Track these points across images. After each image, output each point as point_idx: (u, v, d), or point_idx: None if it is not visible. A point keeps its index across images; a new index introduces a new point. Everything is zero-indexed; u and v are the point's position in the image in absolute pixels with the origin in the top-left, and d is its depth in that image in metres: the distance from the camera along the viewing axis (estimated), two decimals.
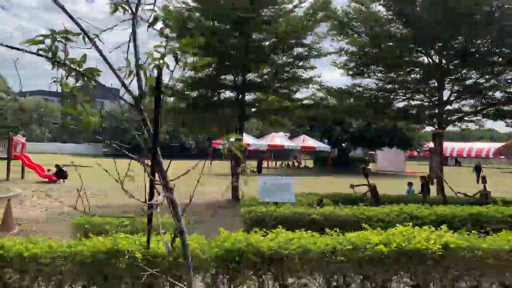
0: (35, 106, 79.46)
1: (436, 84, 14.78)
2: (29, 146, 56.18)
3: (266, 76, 13.76)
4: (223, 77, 13.80)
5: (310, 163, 40.41)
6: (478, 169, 29.71)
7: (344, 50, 14.81)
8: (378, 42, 14.24)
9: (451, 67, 14.61)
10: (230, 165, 13.47)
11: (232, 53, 12.23)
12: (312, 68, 13.55)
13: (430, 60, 14.79)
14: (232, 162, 13.84)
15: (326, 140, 34.70)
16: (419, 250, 4.10)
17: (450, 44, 14.27)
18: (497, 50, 13.71)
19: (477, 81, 14.61)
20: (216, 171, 29.34)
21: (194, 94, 13.24)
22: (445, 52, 14.24)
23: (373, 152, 44.46)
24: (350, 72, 15.38)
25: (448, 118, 14.96)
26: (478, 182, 28.54)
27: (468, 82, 14.93)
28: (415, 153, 77.13)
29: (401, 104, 16.18)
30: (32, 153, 49.86)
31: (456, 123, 16.56)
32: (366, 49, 14.81)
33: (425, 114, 15.03)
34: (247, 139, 28.61)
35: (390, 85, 15.88)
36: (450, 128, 15.67)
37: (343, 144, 34.44)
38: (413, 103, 15.65)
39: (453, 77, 15.00)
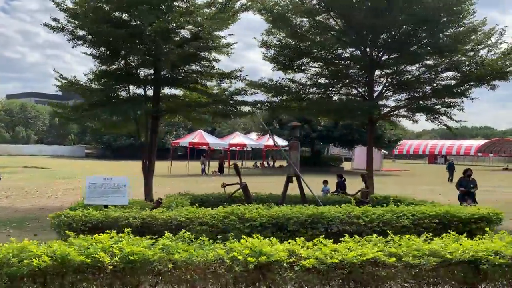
0: (21, 108, 79.13)
1: (369, 78, 14.03)
2: (7, 148, 55.79)
3: (179, 71, 12.96)
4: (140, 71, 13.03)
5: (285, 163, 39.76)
6: (451, 167, 28.67)
7: (267, 43, 14.01)
8: (309, 34, 13.48)
9: (384, 59, 13.83)
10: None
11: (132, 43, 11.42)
12: (215, 60, 12.74)
13: (360, 53, 14.00)
14: (144, 161, 13.04)
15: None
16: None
17: (381, 36, 13.49)
18: (425, 42, 12.90)
19: (406, 75, 13.82)
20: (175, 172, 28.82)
21: (98, 88, 12.44)
22: (378, 44, 13.45)
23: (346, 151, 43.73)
24: (279, 66, 14.59)
25: (381, 112, 14.22)
26: (450, 180, 27.70)
27: (402, 76, 14.14)
28: (396, 152, 76.67)
29: (337, 99, 15.40)
30: (2, 156, 49.25)
31: (394, 118, 15.84)
32: (293, 42, 14.05)
33: (358, 109, 14.24)
34: (206, 138, 27.79)
35: (325, 80, 15.10)
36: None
37: (312, 143, 33.59)
38: (345, 98, 14.85)
39: (386, 71, 14.24)
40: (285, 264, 3.42)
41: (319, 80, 15.09)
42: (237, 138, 29.23)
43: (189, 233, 4.24)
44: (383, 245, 3.90)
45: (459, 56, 12.60)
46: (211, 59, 12.52)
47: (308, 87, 14.93)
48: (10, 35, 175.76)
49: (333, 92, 15.35)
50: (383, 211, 6.55)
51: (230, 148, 27.95)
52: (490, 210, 6.79)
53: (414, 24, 12.12)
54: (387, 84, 14.52)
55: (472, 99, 13.22)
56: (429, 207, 6.82)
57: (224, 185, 8.27)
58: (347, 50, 14.57)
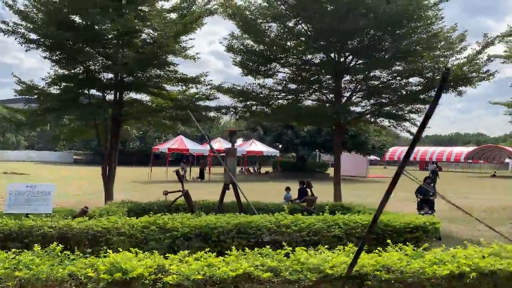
0: (9, 114, 78.51)
1: (337, 83, 13.86)
2: None
3: (141, 75, 12.72)
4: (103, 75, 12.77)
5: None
6: (434, 173, 28.32)
7: (233, 48, 13.81)
8: (279, 39, 13.28)
9: (352, 65, 13.67)
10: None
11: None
12: (173, 64, 12.52)
13: (328, 58, 13.84)
14: (104, 167, 12.77)
15: (280, 145, 33.72)
16: None
17: (348, 41, 13.33)
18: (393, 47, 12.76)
19: (373, 81, 13.67)
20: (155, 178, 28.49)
21: (56, 92, 12.17)
22: (344, 50, 13.29)
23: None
24: (247, 71, 14.40)
25: (348, 118, 14.03)
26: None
27: (369, 82, 13.99)
28: (387, 158, 76.54)
29: (306, 104, 15.19)
30: None
31: (362, 123, 15.66)
32: (262, 47, 13.87)
33: (324, 114, 14.06)
34: (186, 144, 27.51)
35: (294, 85, 14.91)
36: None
37: (296, 149, 33.39)
38: (315, 103, 14.66)
39: (354, 77, 14.08)
40: (146, 281, 3.17)
41: (288, 86, 14.94)
42: (218, 144, 28.96)
43: (109, 245, 3.97)
44: (268, 258, 3.65)
45: (423, 62, 12.44)
46: (170, 63, 12.29)
47: (276, 92, 14.77)
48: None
49: (303, 98, 15.18)
50: (315, 220, 6.31)
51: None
52: (428, 219, 6.56)
53: (375, 29, 11.97)
54: (356, 90, 14.37)
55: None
56: (364, 216, 6.58)
57: (165, 193, 8.01)
58: (316, 56, 14.44)
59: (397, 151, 76.10)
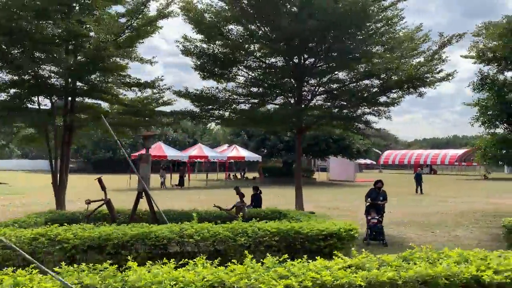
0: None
1: (297, 86, 13.58)
2: None
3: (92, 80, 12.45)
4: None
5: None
6: (418, 177, 27.80)
7: (190, 51, 13.53)
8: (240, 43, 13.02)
9: (310, 67, 13.40)
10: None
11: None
12: (123, 69, 12.24)
13: (287, 61, 13.57)
14: (54, 175, 12.44)
15: (264, 150, 33.40)
16: None
17: (308, 43, 13.07)
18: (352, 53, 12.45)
19: (332, 83, 13.39)
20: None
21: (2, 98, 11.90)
22: (302, 52, 13.02)
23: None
24: (206, 75, 14.10)
25: (306, 121, 13.77)
26: (417, 192, 26.94)
27: (328, 85, 13.70)
28: (382, 162, 75.97)
29: (267, 108, 14.95)
30: None
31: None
32: (223, 50, 13.60)
33: (284, 118, 13.77)
34: (165, 150, 27.19)
35: (255, 88, 14.62)
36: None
37: (279, 154, 33.07)
38: (271, 107, 14.40)
39: (314, 79, 13.80)
40: None
41: (251, 89, 14.65)
42: (198, 150, 28.64)
43: None
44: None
45: (382, 63, 12.13)
46: (122, 67, 12.00)
47: (237, 96, 14.48)
48: None
49: (266, 102, 14.88)
50: (222, 229, 5.97)
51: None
52: (344, 225, 6.21)
53: (328, 30, 11.68)
54: (316, 93, 14.08)
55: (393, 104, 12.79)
56: (274, 224, 6.23)
57: (88, 202, 7.67)
58: (278, 59, 14.16)
59: (392, 155, 75.78)
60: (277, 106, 14.90)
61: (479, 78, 12.63)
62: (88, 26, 10.89)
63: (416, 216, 14.70)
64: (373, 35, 12.14)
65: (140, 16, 12.26)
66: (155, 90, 13.46)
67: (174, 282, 3.14)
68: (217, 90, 13.88)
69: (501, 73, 12.65)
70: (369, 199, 10.11)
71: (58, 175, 12.27)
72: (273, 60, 14.24)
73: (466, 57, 13.31)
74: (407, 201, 20.62)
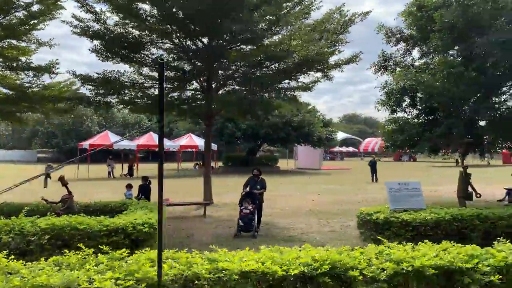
0: None
1: (207, 70, 12.86)
2: None
3: None
4: None
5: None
6: (373, 165, 26.95)
7: (89, 31, 12.67)
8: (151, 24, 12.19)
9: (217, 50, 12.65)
10: None
11: None
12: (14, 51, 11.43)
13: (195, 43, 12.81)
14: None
15: (223, 138, 32.70)
16: None
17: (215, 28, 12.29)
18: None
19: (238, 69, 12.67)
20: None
21: None
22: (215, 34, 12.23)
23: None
24: (108, 56, 13.22)
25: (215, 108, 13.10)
26: (373, 180, 26.26)
27: (235, 70, 12.98)
28: (362, 149, 75.74)
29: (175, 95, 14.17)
30: None
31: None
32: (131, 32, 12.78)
33: (192, 106, 13.12)
34: (111, 139, 26.34)
35: (167, 72, 13.85)
36: None
37: (237, 142, 32.44)
38: (175, 94, 13.67)
39: (225, 64, 13.07)
40: None
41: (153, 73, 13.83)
42: (148, 138, 27.81)
43: None
44: None
45: (273, 43, 11.42)
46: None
47: (146, 79, 13.73)
48: None
49: (178, 86, 14.12)
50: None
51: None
52: (139, 219, 5.58)
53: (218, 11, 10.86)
54: (224, 77, 13.38)
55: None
56: (49, 220, 5.55)
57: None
58: (189, 42, 13.38)
59: (372, 142, 75.49)
60: (189, 92, 14.20)
61: (382, 59, 11.96)
62: None
63: (335, 204, 14.13)
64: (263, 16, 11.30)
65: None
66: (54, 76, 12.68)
67: None
68: (119, 74, 13.09)
69: (409, 54, 11.99)
70: (246, 188, 9.49)
71: None
72: (189, 43, 13.47)
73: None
74: (349, 189, 20.05)
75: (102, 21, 12.46)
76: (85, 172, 26.28)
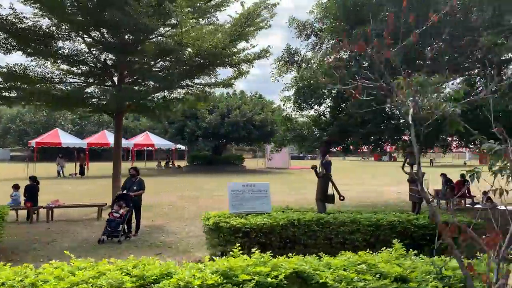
0: None
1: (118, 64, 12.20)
2: None
3: None
4: None
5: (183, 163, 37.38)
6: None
7: None
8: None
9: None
10: None
11: None
12: None
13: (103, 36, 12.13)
14: None
15: (186, 137, 32.04)
16: None
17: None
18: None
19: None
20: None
21: None
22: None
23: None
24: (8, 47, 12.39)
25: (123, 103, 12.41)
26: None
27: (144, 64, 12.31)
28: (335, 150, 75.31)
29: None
30: None
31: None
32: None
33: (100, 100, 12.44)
34: (61, 137, 25.52)
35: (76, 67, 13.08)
36: None
37: (197, 141, 31.80)
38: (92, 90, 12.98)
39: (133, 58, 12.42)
40: None
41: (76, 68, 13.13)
42: (100, 136, 27.03)
43: None
44: None
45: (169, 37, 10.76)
46: None
47: (56, 74, 12.99)
48: None
49: (89, 82, 13.37)
50: None
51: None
52: None
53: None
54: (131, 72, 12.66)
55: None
56: None
57: None
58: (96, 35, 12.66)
59: None
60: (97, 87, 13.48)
61: (287, 54, 11.37)
62: None
63: (173, 209, 13.33)
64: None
65: None
66: None
67: None
68: (23, 68, 12.34)
69: (319, 47, 11.39)
70: (123, 190, 8.87)
71: None
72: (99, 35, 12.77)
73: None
74: (287, 189, 19.58)
75: None
76: (44, 170, 25.54)
